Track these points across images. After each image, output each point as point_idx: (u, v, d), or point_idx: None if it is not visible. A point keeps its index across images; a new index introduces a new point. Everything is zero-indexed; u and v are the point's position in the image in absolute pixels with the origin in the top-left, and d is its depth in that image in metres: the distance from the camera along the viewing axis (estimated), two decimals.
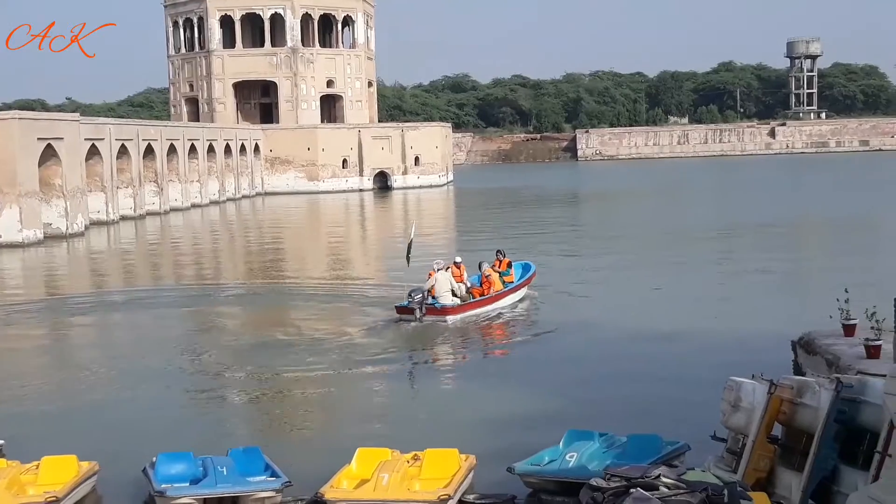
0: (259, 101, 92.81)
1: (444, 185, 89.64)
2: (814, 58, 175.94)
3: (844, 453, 9.47)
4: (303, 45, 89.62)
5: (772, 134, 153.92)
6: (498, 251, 25.00)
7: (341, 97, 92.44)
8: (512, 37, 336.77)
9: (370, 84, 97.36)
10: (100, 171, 53.80)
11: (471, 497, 10.89)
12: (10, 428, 13.76)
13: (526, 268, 25.26)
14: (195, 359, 19.02)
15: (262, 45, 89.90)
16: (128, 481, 11.72)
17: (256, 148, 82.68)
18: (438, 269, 22.06)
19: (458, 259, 23.47)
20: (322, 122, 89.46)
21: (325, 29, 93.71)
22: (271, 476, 11.16)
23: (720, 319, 21.29)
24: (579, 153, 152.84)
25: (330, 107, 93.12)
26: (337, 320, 23.07)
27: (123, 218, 56.33)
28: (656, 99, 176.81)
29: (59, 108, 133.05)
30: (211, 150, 73.26)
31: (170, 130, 67.49)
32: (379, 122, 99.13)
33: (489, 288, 22.96)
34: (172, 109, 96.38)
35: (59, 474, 11.11)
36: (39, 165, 45.52)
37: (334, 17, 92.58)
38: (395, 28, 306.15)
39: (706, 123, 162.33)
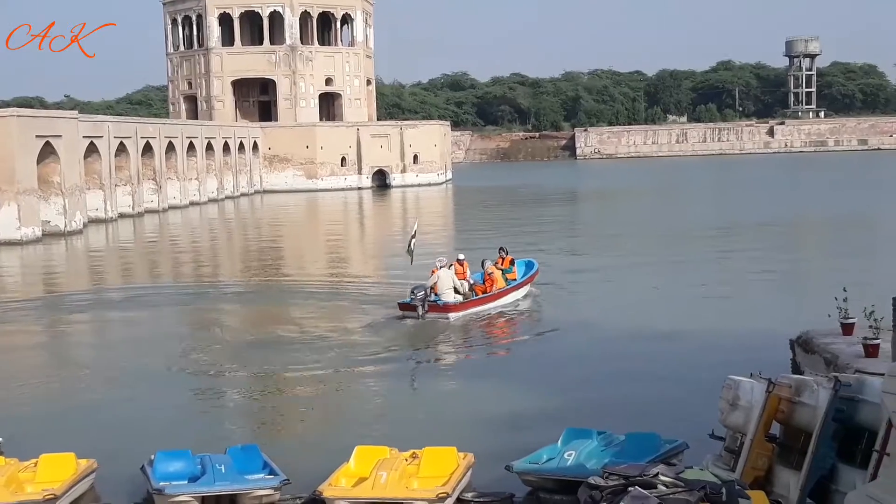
0: (258, 98, 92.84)
1: (443, 183, 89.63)
2: (812, 57, 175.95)
3: (843, 452, 9.47)
4: (301, 42, 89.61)
5: (770, 133, 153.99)
6: (501, 248, 25.01)
7: (340, 95, 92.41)
8: (511, 35, 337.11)
9: (369, 82, 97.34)
10: (98, 169, 53.77)
11: (469, 495, 10.89)
12: (8, 425, 13.74)
13: (529, 265, 25.27)
14: (193, 357, 19.00)
15: (260, 42, 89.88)
16: (126, 479, 11.70)
17: (255, 146, 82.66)
18: (441, 267, 22.07)
19: (462, 256, 23.50)
20: (321, 120, 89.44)
21: (324, 27, 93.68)
22: (269, 474, 11.15)
23: (719, 318, 21.28)
24: (578, 152, 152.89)
25: (328, 105, 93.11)
26: (336, 318, 23.05)
27: (122, 216, 56.32)
28: (655, 98, 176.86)
29: (58, 106, 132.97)
30: (209, 147, 73.23)
31: (168, 128, 67.45)
32: (378, 120, 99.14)
33: (492, 285, 22.97)
34: (171, 107, 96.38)
35: (58, 472, 11.10)
36: (38, 163, 45.48)
37: (333, 14, 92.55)
38: (394, 26, 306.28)
39: (705, 122, 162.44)
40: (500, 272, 23.44)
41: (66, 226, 47.17)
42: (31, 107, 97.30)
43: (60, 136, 47.43)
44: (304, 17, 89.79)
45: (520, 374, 16.86)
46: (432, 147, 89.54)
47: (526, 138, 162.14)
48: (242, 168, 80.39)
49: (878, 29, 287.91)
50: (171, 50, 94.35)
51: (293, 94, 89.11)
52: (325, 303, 25.54)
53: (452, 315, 21.57)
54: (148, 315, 24.48)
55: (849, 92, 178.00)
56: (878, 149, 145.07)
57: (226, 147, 76.57)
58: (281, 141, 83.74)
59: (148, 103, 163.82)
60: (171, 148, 65.74)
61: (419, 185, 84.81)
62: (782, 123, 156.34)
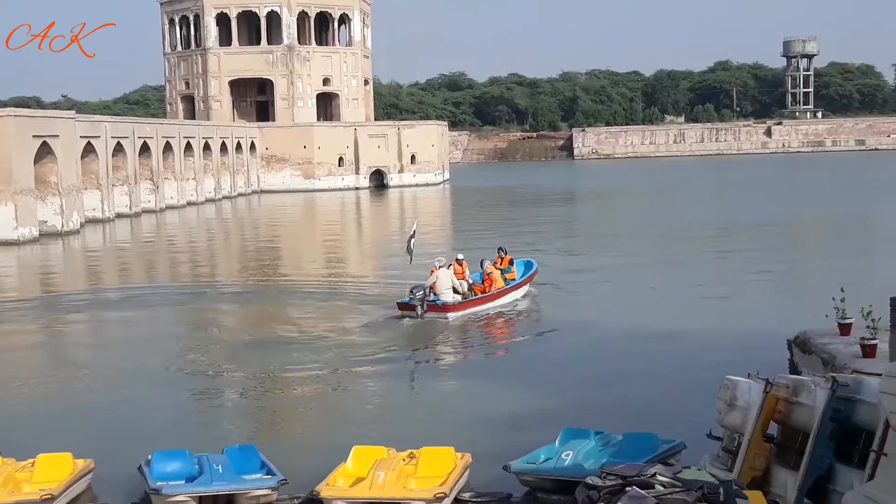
0: (255, 98, 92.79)
1: (441, 183, 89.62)
2: (810, 57, 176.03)
3: (840, 452, 9.47)
4: (299, 42, 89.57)
5: (768, 133, 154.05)
6: (500, 248, 25.02)
7: (337, 95, 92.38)
8: (508, 35, 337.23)
9: (366, 82, 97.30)
10: (95, 169, 53.72)
11: (466, 495, 10.88)
12: (5, 425, 13.73)
13: (528, 265, 25.28)
14: (191, 357, 18.98)
15: (258, 42, 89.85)
16: (123, 479, 11.69)
17: (252, 146, 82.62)
18: (440, 266, 22.07)
19: (461, 256, 23.50)
20: (318, 120, 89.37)
21: (322, 27, 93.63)
22: (267, 474, 11.14)
23: (716, 318, 21.29)
24: (575, 152, 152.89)
25: (326, 105, 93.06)
26: (334, 318, 23.04)
27: (119, 216, 56.25)
28: (653, 98, 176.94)
29: (55, 106, 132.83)
30: (207, 147, 73.18)
31: (166, 128, 67.40)
32: (375, 120, 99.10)
33: (491, 285, 22.98)
34: (168, 107, 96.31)
35: (55, 472, 11.08)
36: (35, 163, 45.43)
37: (331, 14, 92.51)
38: (392, 26, 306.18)
39: (702, 122, 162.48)
40: (499, 272, 23.45)
41: (63, 226, 47.12)
42: (29, 107, 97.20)
43: (57, 135, 47.37)
44: (302, 17, 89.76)
45: (518, 374, 16.86)
46: (430, 147, 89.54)
47: (523, 138, 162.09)
48: (240, 168, 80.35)
49: (876, 29, 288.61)
50: (168, 50, 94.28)
51: (290, 94, 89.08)
52: (322, 303, 25.52)
53: (451, 315, 21.57)
54: (145, 315, 24.45)
55: (846, 92, 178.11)
56: (876, 149, 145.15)
57: (223, 147, 76.53)
58: (278, 141, 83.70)
59: (145, 103, 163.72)
60: (168, 148, 65.70)
61: (417, 186, 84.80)
62: (780, 124, 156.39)
